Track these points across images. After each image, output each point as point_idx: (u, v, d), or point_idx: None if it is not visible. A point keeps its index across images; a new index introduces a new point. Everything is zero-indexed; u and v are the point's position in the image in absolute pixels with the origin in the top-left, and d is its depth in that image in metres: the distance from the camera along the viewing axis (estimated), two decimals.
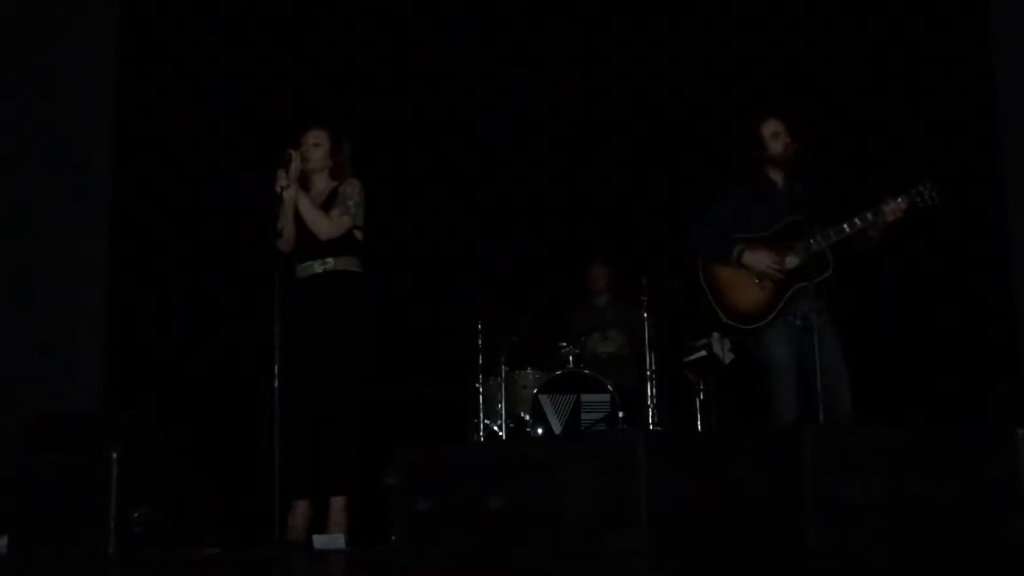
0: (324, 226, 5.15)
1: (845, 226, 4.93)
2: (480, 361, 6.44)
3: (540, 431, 6.27)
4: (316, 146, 5.25)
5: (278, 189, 5.08)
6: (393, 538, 4.72)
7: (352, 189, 5.23)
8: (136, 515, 4.89)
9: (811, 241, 4.88)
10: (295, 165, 5.14)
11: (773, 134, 5.15)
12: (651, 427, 6.19)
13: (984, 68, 6.91)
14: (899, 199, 4.93)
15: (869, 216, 4.93)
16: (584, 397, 6.31)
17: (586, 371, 6.40)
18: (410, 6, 7.50)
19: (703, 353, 6.18)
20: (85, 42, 7.16)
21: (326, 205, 5.21)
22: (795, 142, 5.11)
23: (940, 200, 4.94)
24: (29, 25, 7.09)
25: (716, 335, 6.00)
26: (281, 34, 7.43)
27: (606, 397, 6.30)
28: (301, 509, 5.09)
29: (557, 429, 6.27)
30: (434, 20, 7.47)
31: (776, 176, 5.18)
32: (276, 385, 4.81)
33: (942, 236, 6.54)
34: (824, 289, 4.95)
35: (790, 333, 4.98)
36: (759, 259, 5.01)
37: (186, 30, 7.38)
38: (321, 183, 5.29)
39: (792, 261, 4.97)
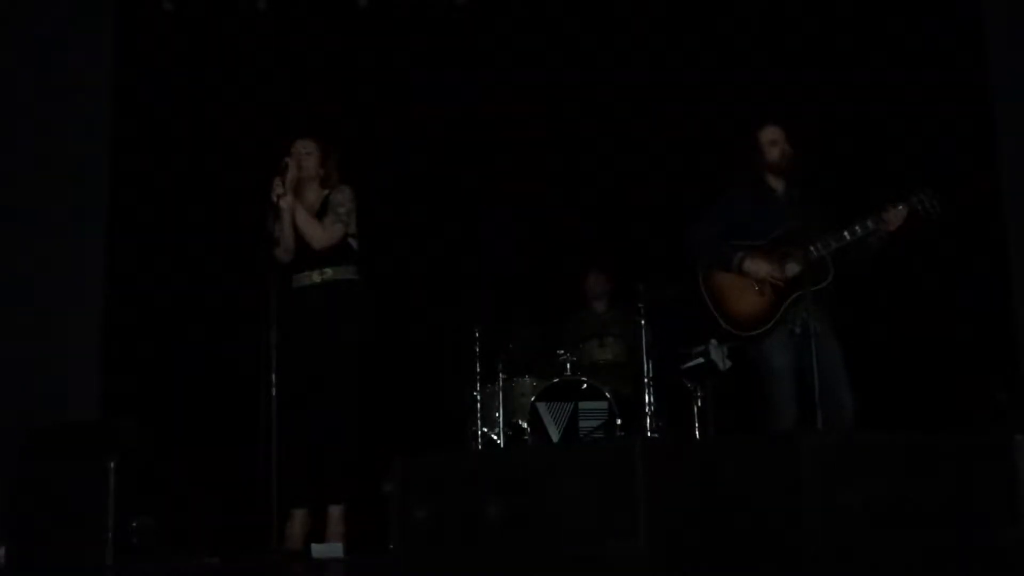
0: (318, 235, 5.15)
1: (845, 233, 4.92)
2: (478, 369, 6.43)
3: (531, 440, 6.26)
4: (308, 155, 5.25)
5: (275, 198, 5.09)
6: (391, 546, 4.70)
7: (343, 196, 5.23)
8: (134, 525, 4.87)
9: (811, 248, 4.88)
10: (292, 174, 5.14)
11: (771, 141, 5.15)
12: (649, 434, 6.18)
13: (982, 71, 6.95)
14: (899, 207, 4.92)
15: (869, 224, 4.92)
16: (582, 404, 6.30)
17: (584, 378, 6.39)
18: (410, 7, 7.51)
19: (701, 360, 6.17)
20: (82, 50, 7.18)
21: (319, 214, 5.22)
22: (793, 149, 5.11)
23: (941, 209, 4.93)
24: (28, 27, 7.10)
25: (714, 342, 6.00)
26: (278, 40, 7.44)
27: (604, 404, 6.29)
28: (299, 518, 5.09)
29: (555, 437, 6.27)
30: (432, 22, 7.48)
31: (776, 183, 5.17)
32: (274, 394, 4.80)
33: (941, 241, 6.55)
34: (824, 296, 4.94)
35: (789, 340, 4.97)
36: (759, 267, 5.01)
37: (185, 37, 7.39)
38: (312, 193, 5.29)
39: (792, 268, 4.97)
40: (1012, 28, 6.90)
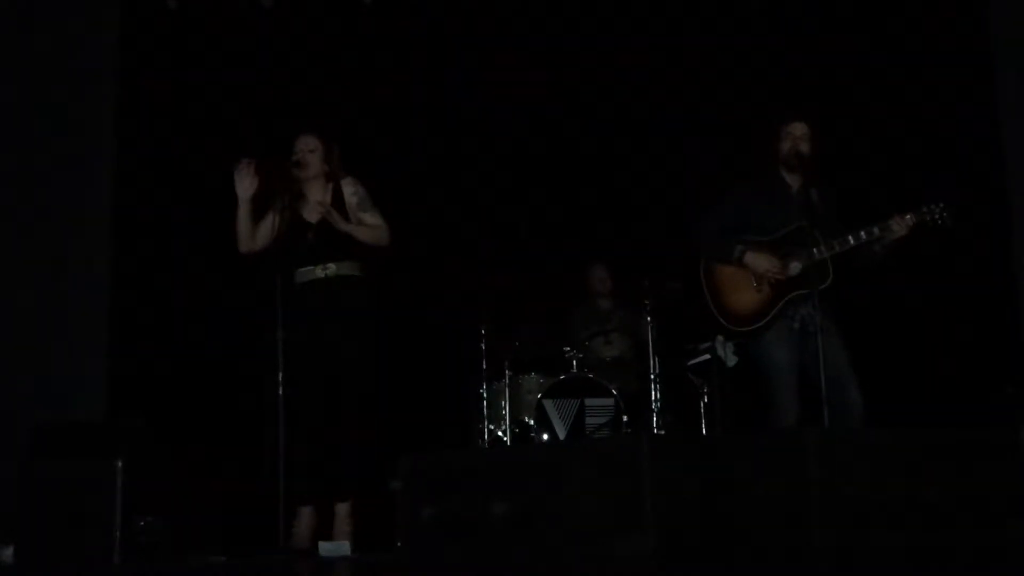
0: (381, 234, 5.16)
1: (850, 238, 4.89)
2: (484, 366, 6.43)
3: (544, 436, 6.26)
4: (312, 152, 5.24)
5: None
6: (398, 544, 4.71)
7: (362, 188, 5.23)
8: (141, 524, 4.88)
9: (814, 249, 4.86)
10: (293, 175, 5.15)
11: (786, 134, 5.12)
12: (655, 431, 6.18)
13: (986, 75, 6.96)
14: (907, 216, 4.90)
15: (876, 230, 4.89)
16: (588, 401, 6.30)
17: (590, 375, 6.39)
18: (414, 4, 7.51)
19: (707, 356, 6.17)
20: (87, 48, 7.18)
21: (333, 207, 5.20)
22: (816, 149, 5.06)
23: (952, 222, 4.90)
24: (33, 26, 7.10)
25: (720, 338, 5.99)
26: (283, 38, 7.44)
27: (610, 401, 6.29)
28: (306, 516, 5.09)
29: (562, 434, 6.27)
30: (435, 19, 7.48)
31: (792, 180, 5.13)
32: (280, 392, 4.80)
33: (947, 237, 6.54)
34: (827, 295, 4.92)
35: (789, 336, 4.96)
36: (760, 261, 4.98)
37: (188, 35, 7.39)
38: (317, 189, 5.28)
39: (795, 267, 4.94)
40: (1017, 32, 6.93)
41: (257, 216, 5.24)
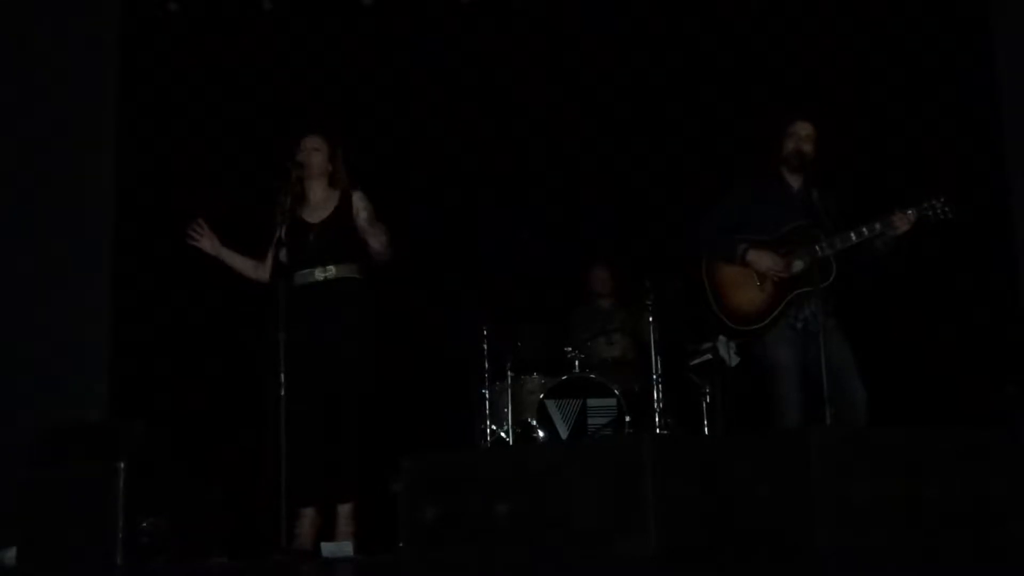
0: (389, 250, 5.17)
1: (852, 234, 4.89)
2: (486, 367, 6.43)
3: (542, 435, 6.26)
4: (316, 151, 5.24)
5: (285, 206, 5.07)
6: (400, 545, 4.71)
7: (368, 203, 5.22)
8: (144, 525, 4.89)
9: (816, 247, 4.87)
10: (295, 175, 5.15)
11: (790, 134, 5.12)
12: (658, 431, 6.18)
13: (987, 74, 6.98)
14: (908, 211, 4.90)
15: (877, 226, 4.89)
16: (590, 401, 6.30)
17: (592, 375, 6.39)
18: (414, 5, 7.51)
19: (709, 356, 6.17)
20: (87, 51, 7.19)
21: (337, 212, 5.20)
22: (820, 149, 5.06)
23: (953, 216, 4.89)
24: (33, 28, 7.11)
25: (722, 338, 5.99)
26: (280, 37, 7.45)
27: (612, 401, 6.29)
28: (308, 517, 5.09)
29: (564, 434, 6.26)
30: (434, 19, 7.48)
31: (793, 180, 5.13)
32: (281, 393, 4.80)
33: (950, 236, 6.55)
34: (830, 293, 4.92)
35: (791, 336, 4.96)
36: (762, 259, 4.99)
37: (189, 38, 7.40)
38: (320, 191, 5.28)
39: (798, 265, 4.95)
40: (1017, 31, 6.94)
41: (255, 241, 5.26)
